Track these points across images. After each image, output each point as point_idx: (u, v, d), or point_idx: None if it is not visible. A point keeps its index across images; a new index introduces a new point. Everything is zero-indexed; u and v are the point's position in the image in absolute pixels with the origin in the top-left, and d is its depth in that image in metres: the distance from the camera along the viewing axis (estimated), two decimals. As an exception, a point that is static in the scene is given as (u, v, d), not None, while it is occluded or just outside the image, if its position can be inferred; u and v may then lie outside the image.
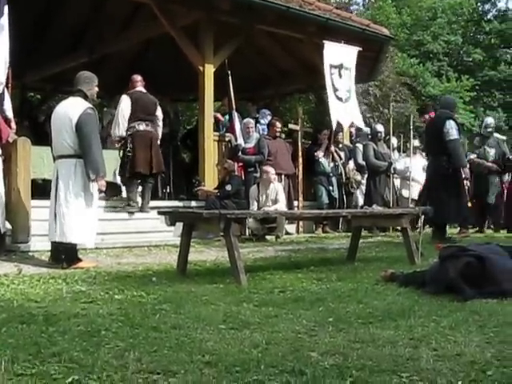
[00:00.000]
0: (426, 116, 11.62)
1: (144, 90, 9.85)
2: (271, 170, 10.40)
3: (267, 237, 10.25)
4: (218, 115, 12.26)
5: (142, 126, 9.54)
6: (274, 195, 10.27)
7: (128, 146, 9.48)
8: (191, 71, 11.20)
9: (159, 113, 9.91)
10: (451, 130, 9.35)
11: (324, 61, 11.71)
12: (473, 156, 12.49)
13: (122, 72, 14.26)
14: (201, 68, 10.76)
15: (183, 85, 13.93)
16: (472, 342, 3.23)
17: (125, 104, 9.55)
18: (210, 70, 10.79)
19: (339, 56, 11.94)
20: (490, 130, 12.60)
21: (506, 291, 4.50)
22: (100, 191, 6.85)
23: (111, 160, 9.76)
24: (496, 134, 13.08)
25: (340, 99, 11.99)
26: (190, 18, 10.90)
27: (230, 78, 11.40)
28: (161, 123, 9.98)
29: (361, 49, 12.27)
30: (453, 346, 3.18)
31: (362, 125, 13.10)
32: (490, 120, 13.11)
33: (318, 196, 12.39)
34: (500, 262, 4.64)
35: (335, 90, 11.88)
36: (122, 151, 9.67)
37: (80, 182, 6.66)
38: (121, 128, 9.52)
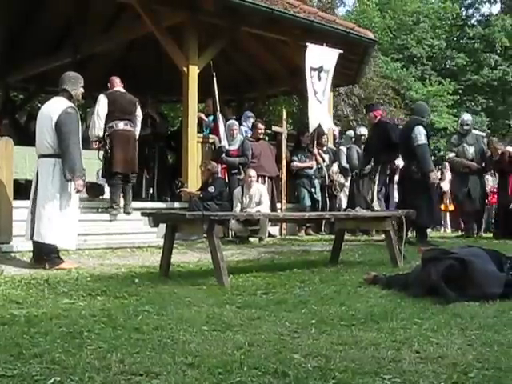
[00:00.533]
0: (371, 114, 11.21)
1: (123, 90, 9.81)
2: (251, 173, 10.38)
3: (250, 239, 10.25)
4: (202, 115, 12.23)
5: (120, 125, 9.45)
6: (258, 197, 10.26)
7: (107, 145, 9.43)
8: (175, 72, 11.18)
9: (139, 112, 9.86)
10: (419, 135, 9.50)
11: (305, 63, 11.75)
12: (452, 155, 12.09)
13: (106, 72, 14.16)
14: (185, 69, 10.74)
15: (167, 86, 13.91)
16: (454, 345, 3.25)
17: (101, 104, 9.49)
18: (194, 72, 10.77)
19: (320, 59, 11.98)
20: (467, 127, 11.98)
21: (487, 294, 4.52)
22: (77, 191, 6.77)
23: (94, 160, 9.71)
24: (474, 131, 12.60)
25: (320, 102, 12.05)
26: (174, 18, 10.88)
27: (214, 79, 11.38)
28: (139, 123, 9.92)
29: (342, 51, 12.31)
30: (435, 348, 3.19)
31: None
32: (466, 117, 12.42)
33: (300, 198, 12.42)
34: (482, 266, 4.66)
35: (315, 92, 11.93)
36: (102, 151, 9.61)
37: (58, 182, 6.62)
38: (97, 128, 9.45)
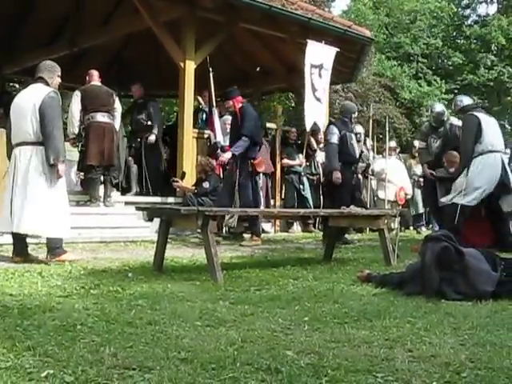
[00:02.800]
0: (230, 102, 9.67)
1: (99, 84, 9.79)
2: None
3: (244, 235, 10.25)
4: (200, 99, 12.20)
5: (97, 117, 9.45)
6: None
7: (82, 138, 9.40)
8: (171, 67, 11.17)
9: (118, 105, 9.83)
10: (329, 134, 9.93)
11: (305, 60, 11.72)
12: (418, 144, 11.09)
13: (102, 66, 14.16)
14: (182, 64, 10.73)
15: (163, 81, 13.89)
16: (446, 344, 3.26)
17: (74, 101, 9.48)
18: (190, 67, 10.76)
19: (320, 56, 11.96)
20: (441, 118, 9.89)
21: (479, 292, 4.54)
22: (59, 177, 6.53)
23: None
24: (452, 121, 9.96)
25: (318, 100, 12.03)
26: (172, 13, 10.88)
27: (211, 74, 11.36)
28: (119, 116, 9.88)
29: (339, 49, 12.29)
30: (428, 347, 3.19)
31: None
32: (439, 107, 10.22)
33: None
34: (477, 265, 4.68)
35: (314, 90, 11.90)
36: (79, 145, 9.63)
37: (38, 169, 6.42)
38: (70, 126, 9.47)
